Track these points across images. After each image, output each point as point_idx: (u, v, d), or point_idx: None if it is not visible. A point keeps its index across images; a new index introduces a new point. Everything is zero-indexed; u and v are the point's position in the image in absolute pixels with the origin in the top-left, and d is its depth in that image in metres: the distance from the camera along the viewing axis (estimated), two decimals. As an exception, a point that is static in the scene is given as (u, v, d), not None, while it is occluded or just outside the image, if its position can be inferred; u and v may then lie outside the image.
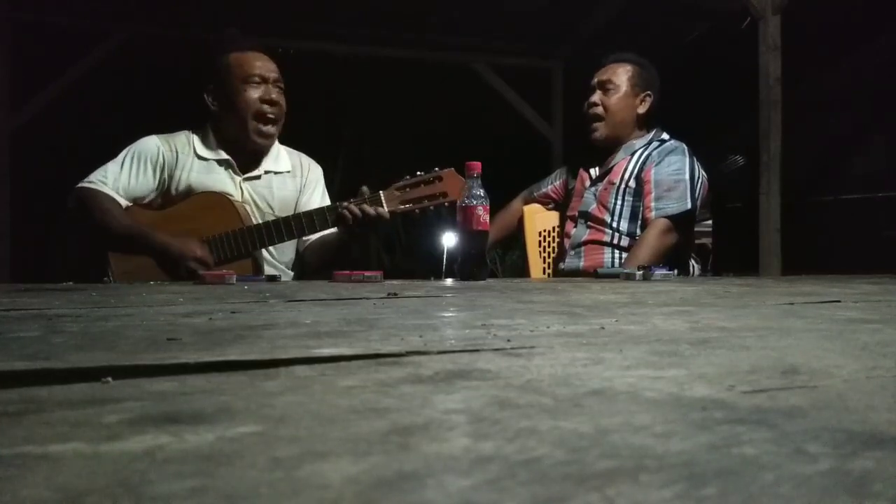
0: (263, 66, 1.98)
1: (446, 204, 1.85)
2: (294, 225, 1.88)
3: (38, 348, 0.55)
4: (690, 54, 4.30)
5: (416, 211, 1.87)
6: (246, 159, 2.02)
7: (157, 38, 4.11)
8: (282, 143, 2.15)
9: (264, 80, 1.96)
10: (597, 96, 2.26)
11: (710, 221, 5.27)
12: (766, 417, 0.34)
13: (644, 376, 0.45)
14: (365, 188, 1.87)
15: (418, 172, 1.87)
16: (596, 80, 2.29)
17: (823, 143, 4.15)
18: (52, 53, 3.90)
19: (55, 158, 3.86)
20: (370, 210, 1.83)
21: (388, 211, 1.85)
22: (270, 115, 1.96)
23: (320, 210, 1.90)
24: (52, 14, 3.83)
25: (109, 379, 0.43)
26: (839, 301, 1.09)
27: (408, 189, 1.86)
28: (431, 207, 1.87)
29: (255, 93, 1.95)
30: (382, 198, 1.85)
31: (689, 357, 0.52)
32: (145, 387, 0.42)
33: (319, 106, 5.27)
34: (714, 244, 5.08)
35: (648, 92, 2.26)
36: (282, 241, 1.92)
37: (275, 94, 1.97)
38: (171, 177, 1.97)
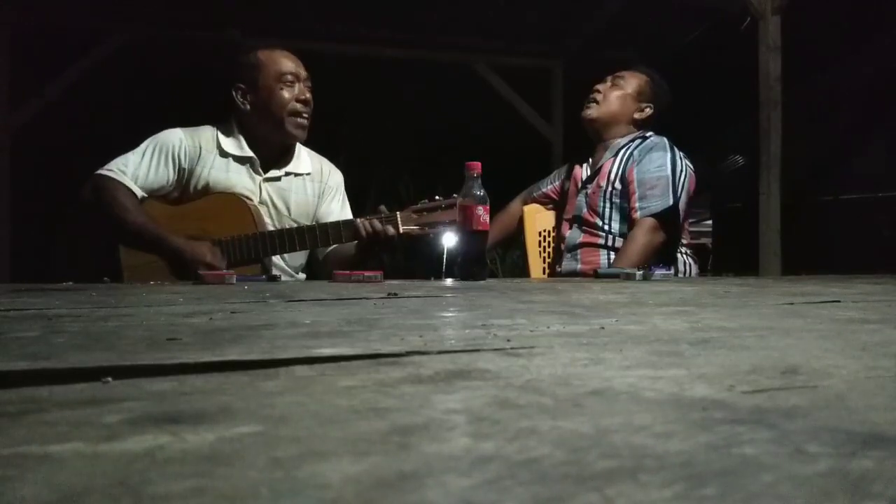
0: (295, 64, 2.00)
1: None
2: (308, 237, 1.89)
3: (38, 348, 0.55)
4: (690, 54, 4.30)
5: (431, 235, 1.89)
6: (270, 158, 2.01)
7: (157, 38, 4.11)
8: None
9: (297, 79, 1.98)
10: (602, 85, 2.31)
11: (710, 221, 5.26)
12: (766, 417, 0.34)
13: (644, 376, 0.45)
14: (383, 207, 1.89)
15: (436, 197, 1.88)
16: (611, 74, 2.33)
17: (823, 143, 4.14)
18: (52, 53, 3.89)
19: (55, 158, 3.86)
20: (383, 230, 1.84)
21: (404, 232, 1.86)
22: (305, 114, 1.98)
23: (335, 224, 1.90)
24: (52, 14, 3.82)
25: (109, 379, 0.43)
26: (839, 301, 1.09)
27: (424, 213, 1.88)
28: (444, 231, 1.89)
29: (290, 92, 1.96)
30: (399, 219, 1.87)
31: (689, 357, 0.52)
32: (145, 387, 0.42)
33: (319, 106, 5.27)
34: (714, 244, 5.08)
35: (651, 104, 2.28)
36: (293, 250, 1.92)
37: (308, 94, 1.99)
38: (191, 172, 1.95)
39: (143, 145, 1.96)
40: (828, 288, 1.44)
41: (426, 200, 1.89)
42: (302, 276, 2.13)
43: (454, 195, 1.87)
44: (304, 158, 2.09)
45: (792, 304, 1.05)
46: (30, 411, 0.36)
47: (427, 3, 4.03)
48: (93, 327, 0.69)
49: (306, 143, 2.16)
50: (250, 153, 1.98)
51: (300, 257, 2.08)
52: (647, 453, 0.29)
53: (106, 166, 1.91)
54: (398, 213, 1.87)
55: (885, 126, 3.84)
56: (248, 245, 1.89)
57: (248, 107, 1.98)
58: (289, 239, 1.89)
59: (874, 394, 0.41)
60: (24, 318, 0.79)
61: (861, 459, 0.28)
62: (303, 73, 2.00)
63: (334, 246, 2.06)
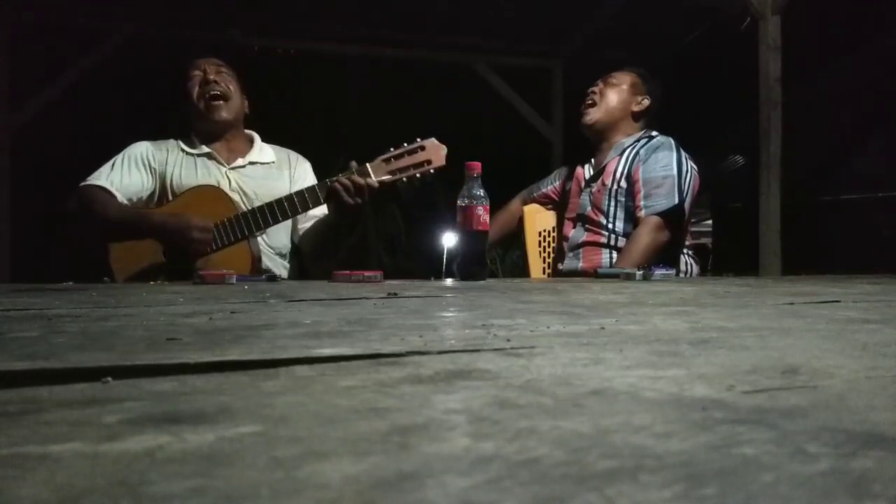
0: (203, 62, 2.11)
1: (432, 171, 1.91)
2: (287, 205, 1.92)
3: (38, 348, 0.55)
4: (690, 54, 4.30)
5: (404, 179, 1.93)
6: (226, 150, 2.12)
7: (158, 38, 4.11)
8: (277, 142, 2.24)
9: (202, 71, 2.09)
10: (596, 87, 2.33)
11: (710, 221, 5.26)
12: (766, 417, 0.34)
13: (644, 376, 0.45)
14: (353, 163, 1.92)
15: (404, 144, 1.92)
16: (602, 77, 2.34)
17: (823, 143, 4.14)
18: (52, 53, 3.89)
19: (55, 158, 3.85)
20: (359, 180, 1.88)
21: (377, 181, 1.89)
22: (214, 92, 2.06)
23: (311, 188, 1.94)
24: (52, 14, 3.82)
25: (109, 379, 0.43)
26: (839, 301, 1.09)
27: (392, 160, 1.92)
28: (417, 175, 1.92)
29: (195, 84, 2.09)
30: (369, 169, 1.90)
31: (689, 357, 0.52)
32: (145, 387, 0.42)
33: (319, 106, 5.27)
34: (714, 244, 5.08)
35: (647, 96, 2.30)
36: (276, 222, 1.95)
37: (211, 75, 2.08)
38: (163, 175, 2.04)
39: (112, 159, 2.07)
40: (828, 288, 1.44)
41: (392, 148, 1.93)
42: (286, 262, 2.14)
43: (418, 139, 1.92)
44: (266, 150, 2.19)
45: (792, 304, 1.05)
46: (30, 411, 0.36)
47: (427, 3, 4.03)
48: (93, 327, 0.69)
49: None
50: (207, 149, 2.09)
51: (283, 237, 2.12)
52: (647, 453, 0.29)
53: (85, 180, 2.00)
54: (367, 164, 1.91)
55: (885, 126, 3.84)
56: (233, 226, 1.91)
57: (188, 115, 2.13)
58: (270, 211, 1.92)
59: (874, 394, 0.41)
60: (24, 318, 0.79)
61: (861, 459, 0.28)
62: (210, 66, 2.10)
63: (308, 226, 2.13)
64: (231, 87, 2.11)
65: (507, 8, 4.10)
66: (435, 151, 1.91)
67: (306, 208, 1.94)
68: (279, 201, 1.92)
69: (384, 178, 1.90)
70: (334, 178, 1.90)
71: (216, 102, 2.07)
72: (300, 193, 1.92)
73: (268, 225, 1.94)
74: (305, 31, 4.22)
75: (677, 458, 0.28)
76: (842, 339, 0.63)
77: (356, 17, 4.20)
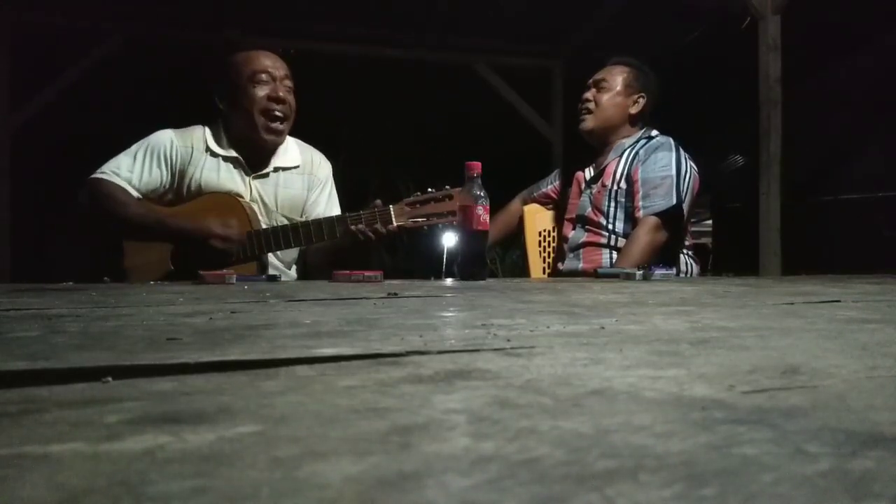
0: (271, 63, 1.97)
1: (454, 223, 1.86)
2: (302, 233, 1.88)
3: (38, 348, 0.55)
4: (690, 54, 4.30)
5: (425, 228, 1.88)
6: (255, 156, 2.00)
7: (157, 38, 4.11)
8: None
9: (272, 78, 1.95)
10: (589, 93, 2.30)
11: (710, 221, 5.26)
12: (766, 417, 0.34)
13: (644, 376, 0.45)
14: (378, 201, 1.89)
15: (429, 189, 1.88)
16: (592, 79, 2.32)
17: (823, 143, 4.14)
18: (52, 53, 3.89)
19: (55, 159, 3.85)
20: (379, 226, 1.84)
21: (397, 225, 1.86)
22: (278, 113, 1.94)
23: (329, 220, 1.90)
24: (52, 14, 3.82)
25: (109, 379, 0.43)
26: (839, 301, 1.09)
27: (418, 205, 1.87)
28: (440, 225, 1.88)
29: (262, 90, 1.93)
30: (392, 212, 1.86)
31: (689, 357, 0.52)
32: (145, 387, 0.42)
33: (319, 106, 5.27)
34: (714, 244, 5.08)
35: (642, 94, 2.28)
36: (288, 247, 1.93)
37: (282, 92, 1.95)
38: (183, 173, 1.95)
39: (134, 147, 1.95)
40: (828, 288, 1.44)
41: (418, 193, 1.89)
42: (293, 273, 2.13)
43: (447, 187, 1.87)
44: (293, 150, 2.07)
45: (792, 304, 1.05)
46: (30, 411, 0.36)
47: (427, 3, 4.03)
48: (93, 327, 0.69)
49: (300, 137, 2.16)
50: (235, 154, 1.97)
51: (292, 251, 2.08)
52: (647, 453, 0.29)
53: (99, 170, 1.91)
54: (391, 206, 1.87)
55: (885, 126, 3.84)
56: (245, 243, 1.89)
57: (226, 108, 1.98)
58: (283, 236, 1.89)
59: (874, 394, 0.41)
60: (24, 318, 0.79)
61: (861, 459, 0.28)
62: (279, 72, 1.97)
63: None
64: (293, 102, 1.98)
65: (507, 8, 4.10)
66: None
67: (321, 240, 1.90)
68: (294, 228, 1.89)
69: (405, 223, 1.86)
70: (355, 216, 1.86)
71: (278, 125, 1.94)
72: (317, 224, 1.88)
73: (279, 248, 1.92)
74: (305, 31, 4.22)
75: (677, 457, 0.28)
76: (842, 339, 0.63)
77: (356, 17, 4.20)
